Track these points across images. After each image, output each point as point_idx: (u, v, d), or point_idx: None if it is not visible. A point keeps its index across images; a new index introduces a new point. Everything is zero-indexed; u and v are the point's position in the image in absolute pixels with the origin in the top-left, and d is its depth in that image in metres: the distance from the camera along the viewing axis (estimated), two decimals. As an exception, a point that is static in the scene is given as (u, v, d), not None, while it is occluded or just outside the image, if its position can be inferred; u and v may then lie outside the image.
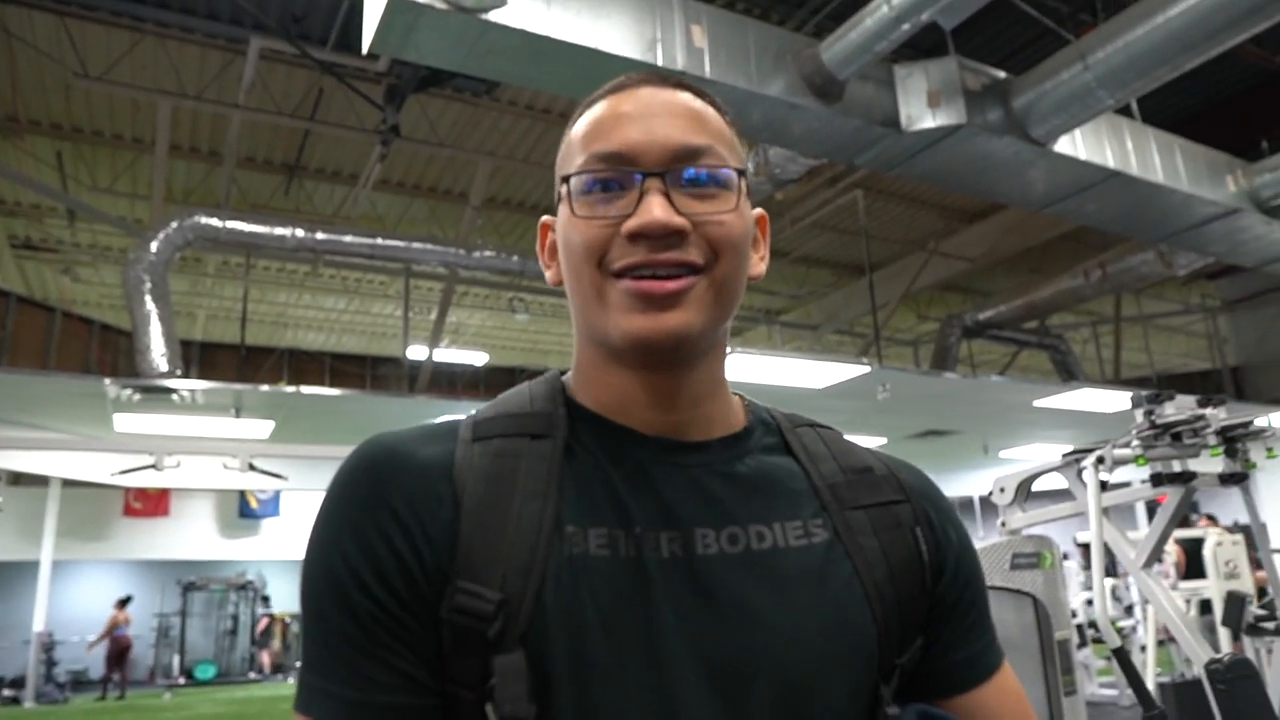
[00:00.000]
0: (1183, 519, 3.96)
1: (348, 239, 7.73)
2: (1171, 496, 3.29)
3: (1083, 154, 5.18)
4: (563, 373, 0.82)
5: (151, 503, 15.12)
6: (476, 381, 13.97)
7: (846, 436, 0.85)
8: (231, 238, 7.29)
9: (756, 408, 0.83)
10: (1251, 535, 3.80)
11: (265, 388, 7.21)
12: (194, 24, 6.28)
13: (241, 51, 6.52)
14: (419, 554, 0.66)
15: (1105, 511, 3.33)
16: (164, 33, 6.43)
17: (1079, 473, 3.44)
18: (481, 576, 0.65)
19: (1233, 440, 3.17)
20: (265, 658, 16.18)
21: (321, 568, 0.67)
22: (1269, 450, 3.29)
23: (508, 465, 0.70)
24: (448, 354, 12.12)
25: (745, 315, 11.67)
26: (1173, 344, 13.15)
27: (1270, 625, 3.73)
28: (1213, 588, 6.39)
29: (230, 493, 15.27)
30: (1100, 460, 3.29)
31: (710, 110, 0.76)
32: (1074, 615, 6.77)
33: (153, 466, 8.99)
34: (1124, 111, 5.53)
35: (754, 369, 6.76)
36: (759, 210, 0.80)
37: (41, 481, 12.72)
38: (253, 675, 15.95)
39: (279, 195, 8.73)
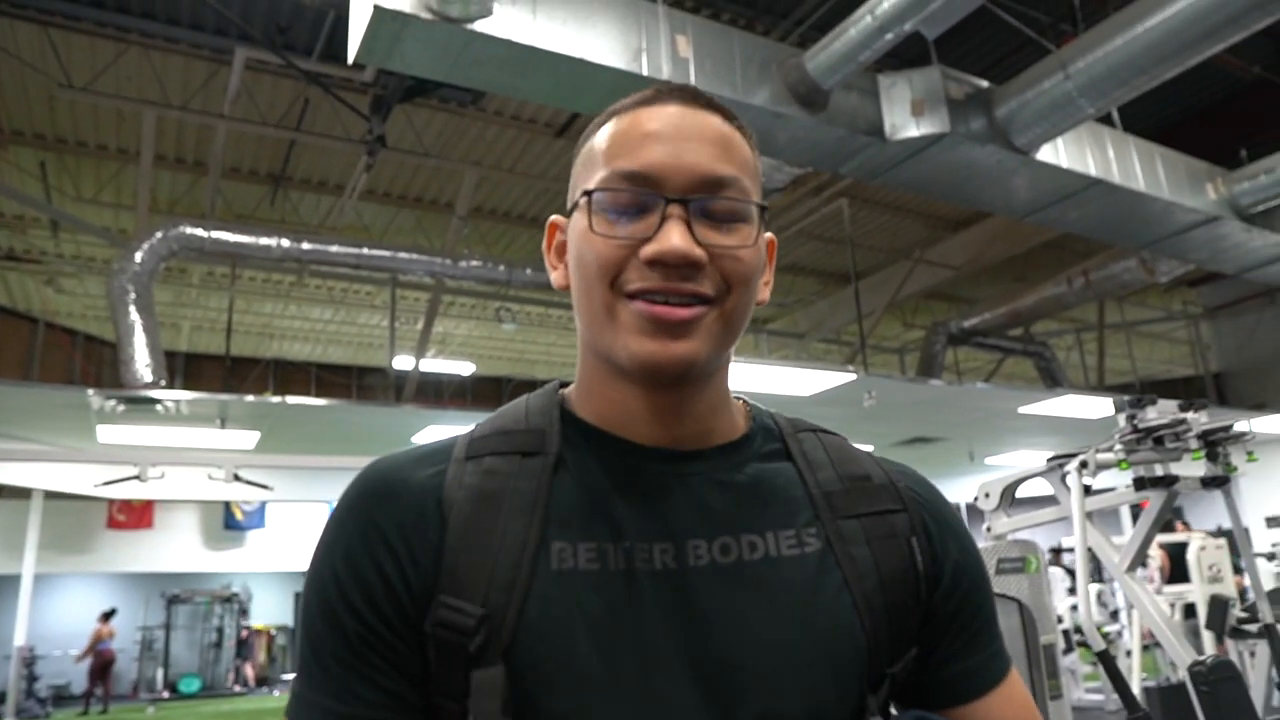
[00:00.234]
0: (1165, 524, 4.00)
1: (334, 249, 7.71)
2: (1154, 500, 3.31)
3: (1065, 162, 5.23)
4: (564, 384, 0.82)
5: (135, 515, 14.99)
6: (463, 391, 13.93)
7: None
8: (216, 248, 7.25)
9: (759, 413, 0.84)
10: (1233, 539, 3.83)
11: (250, 398, 7.17)
12: (179, 34, 6.27)
13: (227, 62, 6.50)
14: (405, 577, 0.69)
15: (1089, 516, 3.36)
16: (149, 43, 6.41)
17: (1063, 477, 3.46)
18: (465, 592, 0.67)
19: (1213, 444, 3.20)
20: (249, 670, 16.05)
21: (317, 588, 0.70)
22: (1249, 454, 3.32)
23: (496, 484, 0.72)
24: (434, 364, 12.07)
25: (732, 324, 11.64)
26: (1156, 351, 13.25)
27: (1252, 628, 3.76)
28: (1197, 591, 6.44)
29: (215, 504, 15.16)
30: (1084, 464, 3.31)
31: (738, 137, 0.76)
32: (1059, 620, 6.80)
33: (137, 478, 8.92)
34: (1105, 120, 5.59)
35: (741, 377, 6.77)
36: (769, 235, 0.79)
37: (24, 494, 12.60)
38: (237, 688, 15.82)
39: (264, 206, 8.70)
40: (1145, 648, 7.12)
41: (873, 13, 4.10)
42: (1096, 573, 8.45)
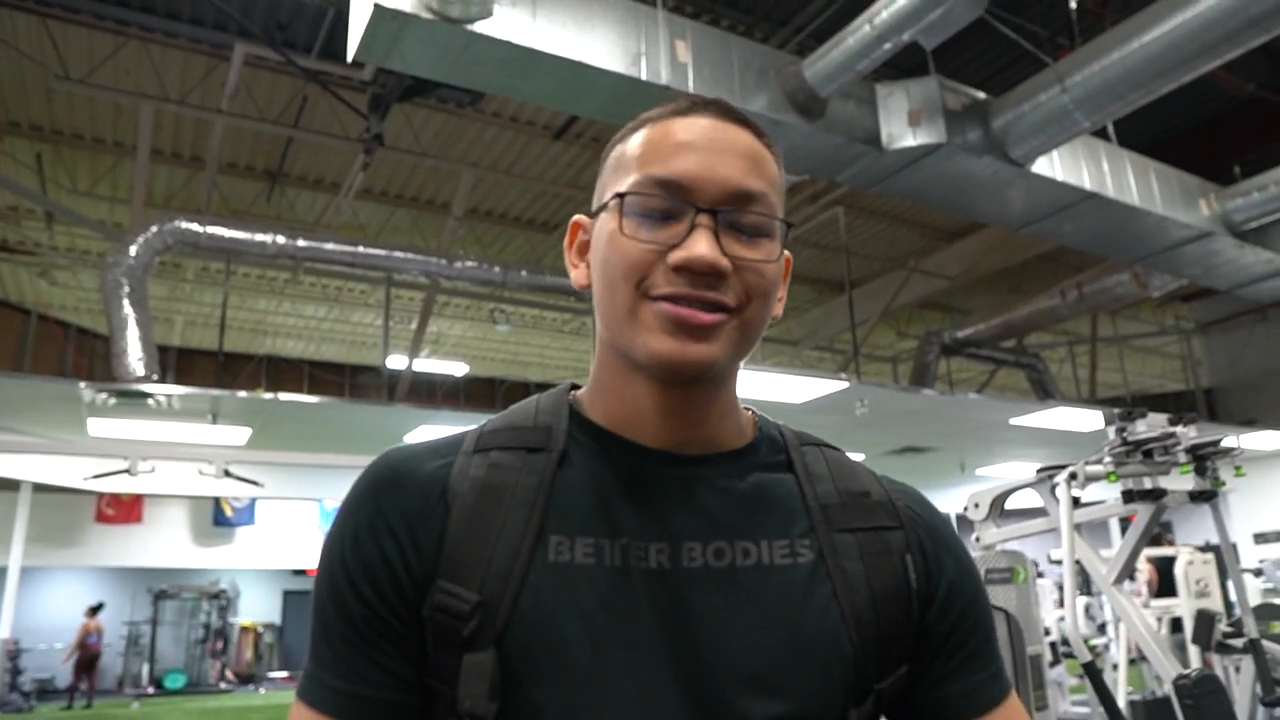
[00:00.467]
0: (1154, 537, 4.01)
1: (329, 246, 7.70)
2: (1142, 514, 3.32)
3: (1060, 175, 5.26)
4: (574, 387, 0.84)
5: (124, 509, 14.93)
6: (456, 392, 13.91)
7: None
8: (212, 243, 7.24)
9: (766, 424, 0.85)
10: (1221, 554, 3.85)
11: (243, 394, 7.14)
12: (178, 29, 6.26)
13: (225, 57, 6.50)
14: (407, 562, 0.71)
15: (1078, 528, 3.37)
16: (148, 37, 6.40)
17: (1052, 489, 3.47)
18: (462, 579, 0.69)
19: (1202, 458, 3.20)
20: (218, 666, 15.96)
21: (326, 572, 0.73)
22: (1237, 469, 3.33)
23: (500, 477, 0.74)
24: (427, 364, 12.07)
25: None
26: (1147, 365, 13.30)
27: (1238, 643, 3.77)
28: (1184, 605, 6.45)
29: (205, 500, 15.11)
30: (1073, 476, 3.32)
31: (767, 154, 0.77)
32: (1047, 632, 6.81)
33: (127, 471, 8.88)
34: (1100, 134, 5.62)
35: (734, 383, 6.75)
36: (786, 253, 0.80)
37: (12, 486, 12.54)
38: (223, 685, 15.76)
39: (260, 202, 8.69)
40: (1132, 661, 7.12)
41: (871, 22, 4.12)
42: (1085, 585, 8.47)
